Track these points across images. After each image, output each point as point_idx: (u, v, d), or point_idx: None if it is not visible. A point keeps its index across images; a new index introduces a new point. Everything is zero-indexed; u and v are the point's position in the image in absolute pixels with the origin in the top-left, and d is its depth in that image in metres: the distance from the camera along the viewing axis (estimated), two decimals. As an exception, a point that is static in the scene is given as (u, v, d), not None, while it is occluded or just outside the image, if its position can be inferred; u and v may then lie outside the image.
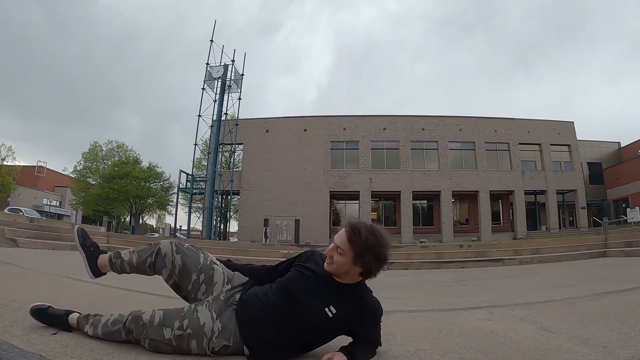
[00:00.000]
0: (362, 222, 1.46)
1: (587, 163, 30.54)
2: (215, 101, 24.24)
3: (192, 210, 25.26)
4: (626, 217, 24.68)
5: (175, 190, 31.10)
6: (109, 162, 37.32)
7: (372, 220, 24.99)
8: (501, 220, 26.54)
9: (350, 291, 1.48)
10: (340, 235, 1.44)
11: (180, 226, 32.57)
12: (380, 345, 1.55)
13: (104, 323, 1.53)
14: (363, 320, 1.49)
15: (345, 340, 1.52)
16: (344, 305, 1.46)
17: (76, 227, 1.87)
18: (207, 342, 1.42)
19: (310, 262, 1.57)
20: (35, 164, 44.02)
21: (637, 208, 24.46)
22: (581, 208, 25.41)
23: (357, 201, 24.73)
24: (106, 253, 1.77)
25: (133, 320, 1.47)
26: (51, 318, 1.60)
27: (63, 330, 1.57)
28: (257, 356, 1.42)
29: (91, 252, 1.76)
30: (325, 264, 1.48)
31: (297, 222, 22.16)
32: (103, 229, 12.60)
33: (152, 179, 36.31)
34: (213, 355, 1.42)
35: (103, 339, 1.51)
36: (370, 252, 1.41)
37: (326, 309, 1.44)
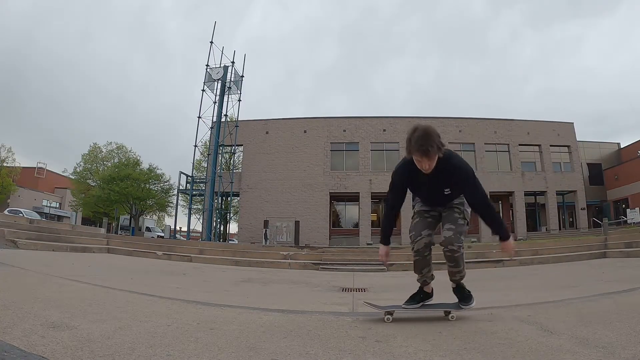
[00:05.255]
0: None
1: (587, 164, 30.54)
2: (215, 103, 24.28)
3: (192, 212, 25.27)
4: (626, 217, 24.68)
5: (175, 191, 31.14)
6: (109, 164, 37.31)
7: (372, 222, 25.07)
8: (501, 222, 26.53)
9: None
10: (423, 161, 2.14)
11: (180, 227, 32.59)
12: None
13: None
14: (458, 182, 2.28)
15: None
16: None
17: None
18: None
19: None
20: (35, 165, 44.05)
21: (637, 209, 24.45)
22: (581, 209, 25.40)
23: (357, 202, 24.73)
24: None
25: None
26: None
27: None
28: None
29: None
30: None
31: (297, 223, 22.15)
32: (103, 231, 12.59)
33: (152, 181, 36.31)
34: None
35: (104, 342, 1.51)
36: (435, 141, 2.12)
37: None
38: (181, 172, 26.17)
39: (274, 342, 1.76)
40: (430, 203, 2.51)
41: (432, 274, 2.49)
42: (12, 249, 6.89)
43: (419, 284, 2.51)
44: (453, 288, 2.51)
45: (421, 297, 2.48)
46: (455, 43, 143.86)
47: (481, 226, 24.46)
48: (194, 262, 9.21)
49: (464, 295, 2.47)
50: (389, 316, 2.31)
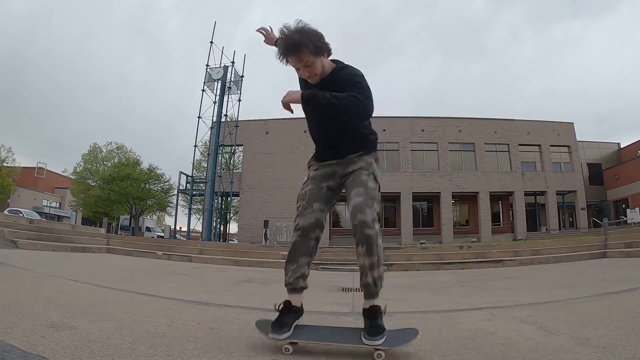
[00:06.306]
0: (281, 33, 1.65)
1: (587, 164, 30.54)
2: (215, 103, 24.28)
3: (192, 212, 25.26)
4: (626, 217, 24.67)
5: (175, 191, 31.13)
6: (109, 164, 37.31)
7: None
8: (501, 222, 26.53)
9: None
10: (296, 63, 1.67)
11: (180, 227, 32.58)
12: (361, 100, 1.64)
13: None
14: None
15: None
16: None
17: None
18: None
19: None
20: (35, 165, 44.03)
21: (637, 209, 24.44)
22: (581, 209, 25.40)
23: (357, 202, 24.71)
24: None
25: None
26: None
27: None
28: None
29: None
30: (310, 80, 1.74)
31: (297, 223, 22.15)
32: (103, 231, 12.59)
33: (152, 181, 36.30)
34: None
35: (104, 342, 1.51)
36: (310, 39, 1.62)
37: None
38: (181, 172, 26.17)
39: (274, 342, 1.76)
40: (319, 128, 1.92)
41: (307, 274, 1.77)
42: (12, 249, 6.89)
43: (287, 292, 1.76)
44: (364, 309, 1.63)
45: (293, 316, 1.72)
46: (455, 43, 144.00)
47: (481, 226, 24.53)
48: (194, 262, 9.21)
49: (376, 322, 1.56)
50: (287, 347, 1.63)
